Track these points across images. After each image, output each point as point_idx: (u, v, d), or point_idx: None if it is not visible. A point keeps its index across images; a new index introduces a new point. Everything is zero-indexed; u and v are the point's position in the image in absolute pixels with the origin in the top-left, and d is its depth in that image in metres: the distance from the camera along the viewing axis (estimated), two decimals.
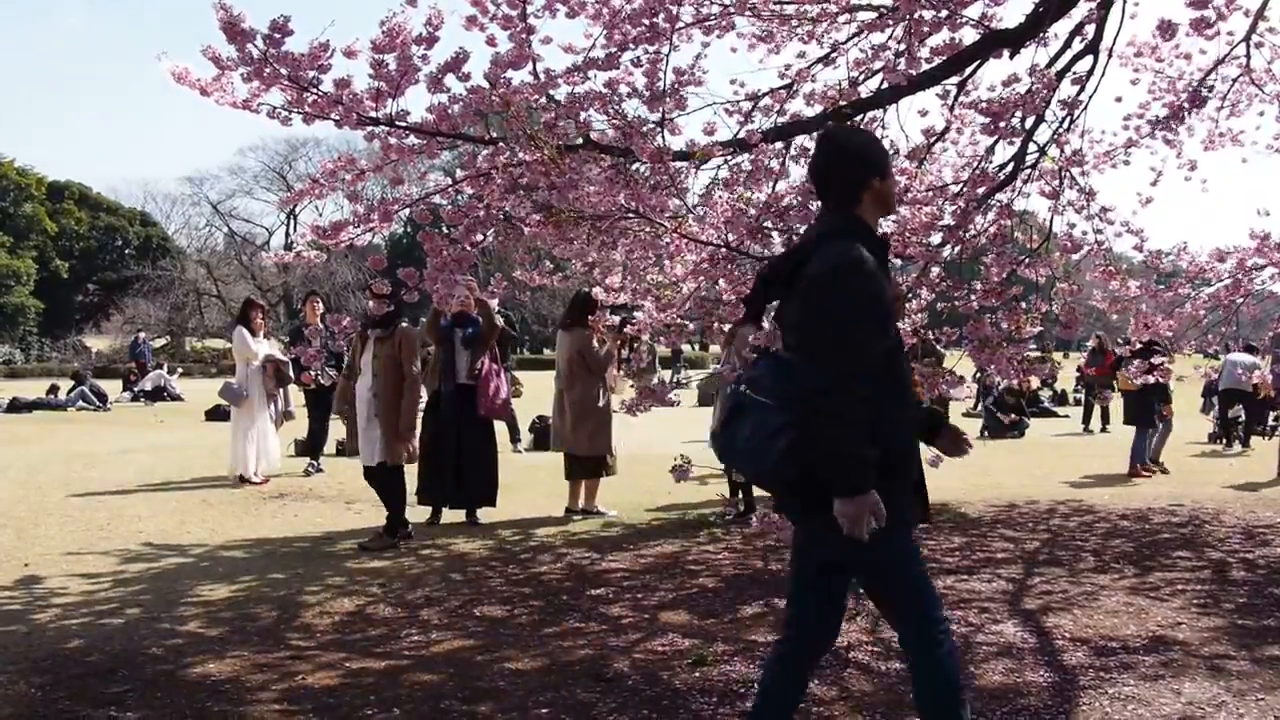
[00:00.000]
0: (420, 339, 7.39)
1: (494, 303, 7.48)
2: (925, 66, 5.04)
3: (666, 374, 25.79)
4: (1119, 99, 6.63)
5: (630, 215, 4.61)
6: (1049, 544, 6.87)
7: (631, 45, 4.47)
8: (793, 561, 3.03)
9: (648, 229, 4.94)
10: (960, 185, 5.16)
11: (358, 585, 5.74)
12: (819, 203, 3.01)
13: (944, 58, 5.07)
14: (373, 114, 4.19)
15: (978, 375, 10.95)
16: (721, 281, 5.31)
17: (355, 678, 4.20)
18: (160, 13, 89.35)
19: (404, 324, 7.00)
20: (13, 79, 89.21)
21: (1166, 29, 5.97)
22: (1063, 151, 4.97)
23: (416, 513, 7.78)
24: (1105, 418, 15.72)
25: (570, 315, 8.15)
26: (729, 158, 4.89)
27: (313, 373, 9.76)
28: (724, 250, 4.81)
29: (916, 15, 4.93)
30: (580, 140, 4.41)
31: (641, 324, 5.89)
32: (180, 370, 30.36)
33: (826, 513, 2.65)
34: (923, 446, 3.13)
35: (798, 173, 5.32)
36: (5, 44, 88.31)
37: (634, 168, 4.46)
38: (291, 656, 4.48)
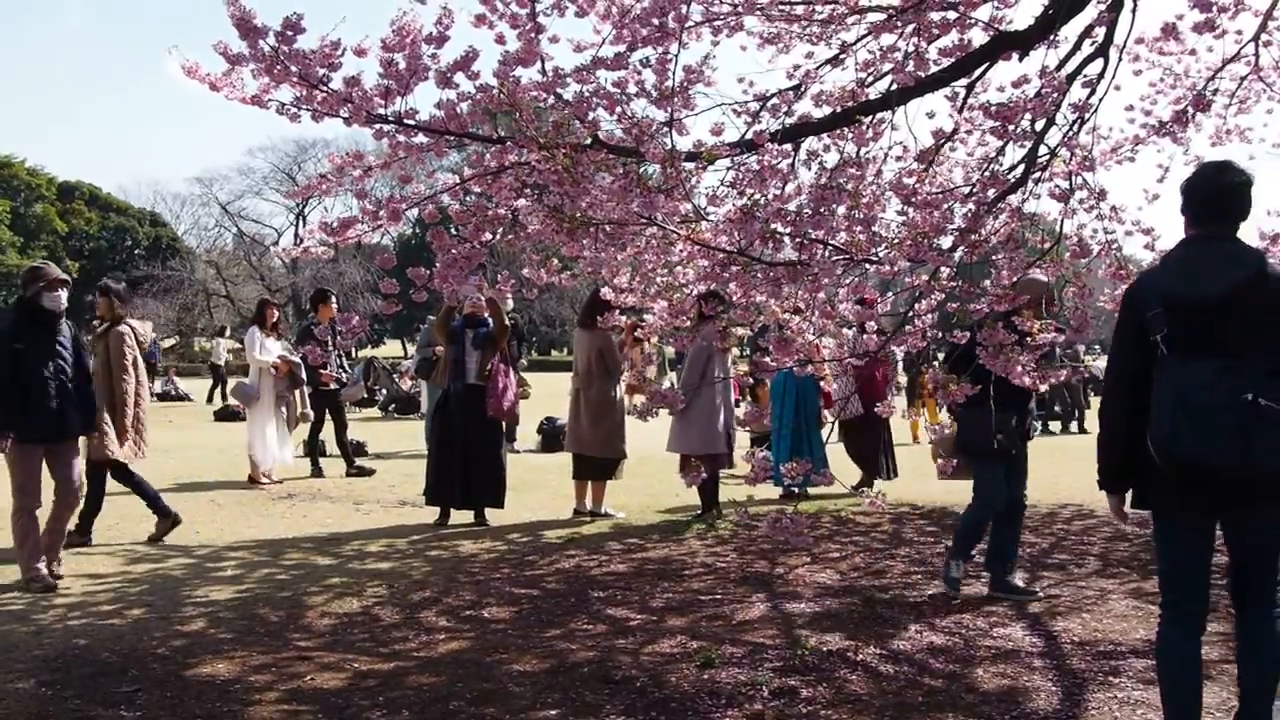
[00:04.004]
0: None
1: (508, 303, 7.42)
2: (934, 68, 5.03)
3: (673, 375, 25.75)
4: (1128, 106, 6.60)
5: (643, 221, 4.58)
6: (1053, 548, 6.84)
7: (640, 44, 4.46)
8: (1194, 552, 3.21)
9: (659, 234, 4.92)
10: (970, 186, 5.13)
11: (364, 586, 5.74)
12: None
13: (953, 59, 5.05)
14: (382, 112, 4.19)
15: None
16: (732, 285, 5.29)
17: (362, 679, 4.20)
18: (162, 13, 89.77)
19: (121, 326, 6.82)
20: (22, 79, 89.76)
21: (1170, 31, 5.95)
22: (1073, 155, 4.94)
23: (424, 514, 7.80)
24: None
25: (590, 313, 7.75)
26: (736, 158, 4.87)
27: (332, 371, 9.84)
28: (735, 255, 4.78)
29: (925, 16, 4.91)
30: (589, 140, 4.40)
31: (651, 326, 5.87)
32: (178, 373, 30.07)
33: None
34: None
35: (806, 175, 5.30)
36: (12, 43, 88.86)
37: (644, 169, 4.44)
38: (298, 657, 4.48)
